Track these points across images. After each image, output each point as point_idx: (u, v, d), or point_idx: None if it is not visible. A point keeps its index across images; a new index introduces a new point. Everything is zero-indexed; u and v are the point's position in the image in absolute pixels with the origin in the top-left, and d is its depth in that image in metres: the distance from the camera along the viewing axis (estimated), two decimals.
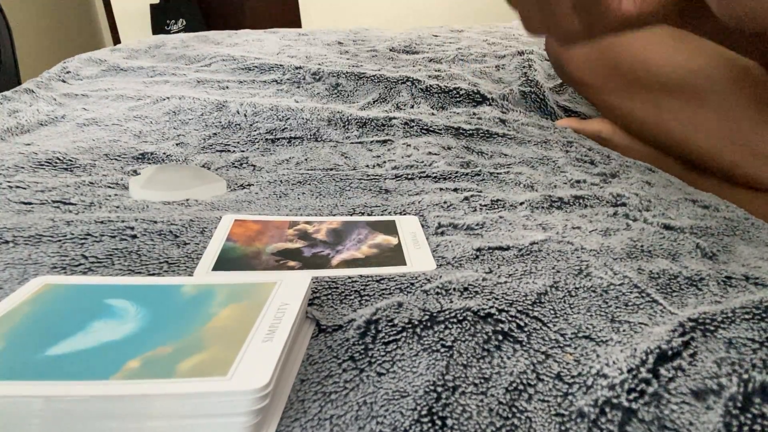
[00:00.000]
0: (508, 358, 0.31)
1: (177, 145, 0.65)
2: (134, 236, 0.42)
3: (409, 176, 0.58)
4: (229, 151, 0.65)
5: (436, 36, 1.22)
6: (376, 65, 0.95)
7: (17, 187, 0.51)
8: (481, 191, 0.54)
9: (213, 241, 0.42)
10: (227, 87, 0.87)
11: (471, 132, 0.71)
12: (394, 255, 0.42)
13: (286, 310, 0.30)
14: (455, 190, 0.55)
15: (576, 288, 0.37)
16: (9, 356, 0.26)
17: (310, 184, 0.55)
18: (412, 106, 0.80)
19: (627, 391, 0.28)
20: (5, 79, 1.56)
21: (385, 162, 0.62)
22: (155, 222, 0.44)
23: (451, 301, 0.35)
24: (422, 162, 0.62)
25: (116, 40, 2.92)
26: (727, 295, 0.37)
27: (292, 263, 0.40)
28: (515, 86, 0.87)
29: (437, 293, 0.36)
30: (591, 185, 0.56)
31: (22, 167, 0.56)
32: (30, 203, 0.48)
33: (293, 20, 3.01)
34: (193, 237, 0.43)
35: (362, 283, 0.37)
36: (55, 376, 0.25)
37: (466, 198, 0.52)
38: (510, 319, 0.33)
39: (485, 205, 0.51)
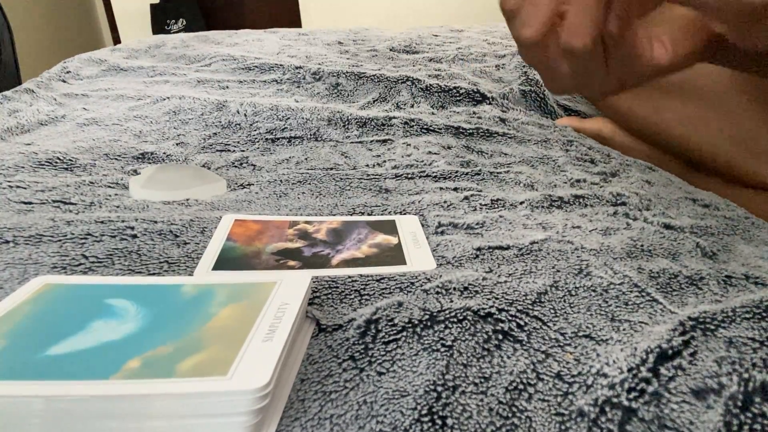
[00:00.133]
0: (508, 357, 0.31)
1: (177, 144, 0.65)
2: (134, 236, 0.42)
3: (409, 176, 0.58)
4: (229, 150, 0.65)
5: (436, 36, 1.22)
6: (376, 65, 0.95)
7: (17, 186, 0.51)
8: (481, 190, 0.54)
9: (213, 241, 0.42)
10: (227, 87, 0.87)
11: (471, 131, 0.71)
12: (394, 254, 0.42)
13: (286, 309, 0.30)
14: (455, 189, 0.55)
15: (576, 287, 0.37)
16: (9, 356, 0.26)
17: (310, 184, 0.55)
18: (412, 106, 0.80)
19: (627, 391, 0.28)
20: (5, 78, 1.56)
21: (385, 161, 0.62)
22: (155, 222, 0.44)
23: (451, 301, 0.35)
24: (422, 161, 0.62)
25: (116, 40, 2.92)
26: (727, 294, 0.37)
27: (292, 263, 0.40)
28: (515, 85, 0.87)
29: (437, 293, 0.36)
30: (591, 184, 0.56)
31: (23, 167, 0.56)
32: (30, 203, 0.48)
33: (293, 20, 3.01)
34: (193, 237, 0.43)
35: (362, 282, 0.37)
36: (56, 375, 0.25)
37: (466, 197, 0.52)
38: (510, 318, 0.33)
39: (485, 205, 0.51)
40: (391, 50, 1.06)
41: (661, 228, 0.46)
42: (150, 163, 0.60)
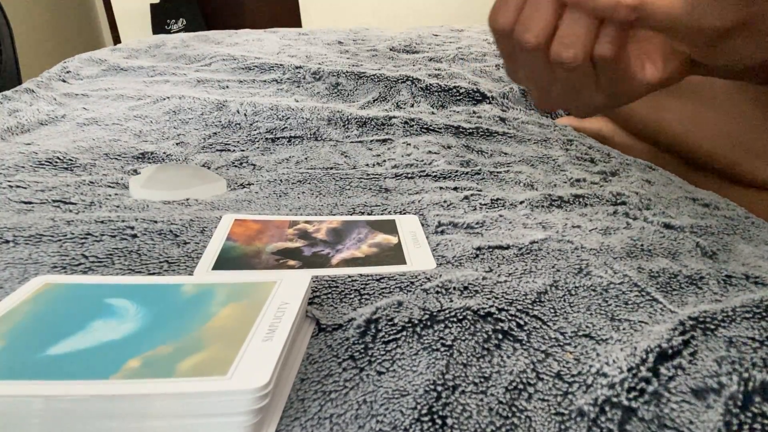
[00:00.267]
0: (508, 357, 0.31)
1: (177, 144, 0.65)
2: (134, 236, 0.42)
3: (409, 175, 0.58)
4: (229, 150, 0.65)
5: (436, 35, 1.22)
6: (376, 64, 0.95)
7: (17, 186, 0.51)
8: (481, 190, 0.54)
9: (213, 241, 0.42)
10: (227, 86, 0.87)
11: (471, 131, 0.71)
12: (394, 254, 0.42)
13: (286, 309, 0.30)
14: (455, 188, 0.55)
15: (576, 287, 0.37)
16: (9, 356, 0.26)
17: (310, 184, 0.55)
18: (412, 105, 0.80)
19: (627, 390, 0.28)
20: (6, 78, 1.56)
21: (385, 161, 0.62)
22: (155, 221, 0.44)
23: (451, 300, 0.35)
24: (422, 161, 0.62)
25: (116, 40, 2.92)
26: (727, 293, 0.37)
27: (292, 262, 0.40)
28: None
29: (437, 292, 0.36)
30: (591, 184, 0.56)
31: (23, 167, 0.56)
32: (30, 203, 0.48)
33: (293, 20, 3.01)
34: (193, 236, 0.43)
35: (362, 282, 0.37)
36: (55, 375, 0.25)
37: (466, 197, 0.52)
38: (510, 318, 0.33)
39: (485, 204, 0.51)
40: (391, 50, 1.06)
41: (661, 227, 0.46)
42: (150, 162, 0.60)
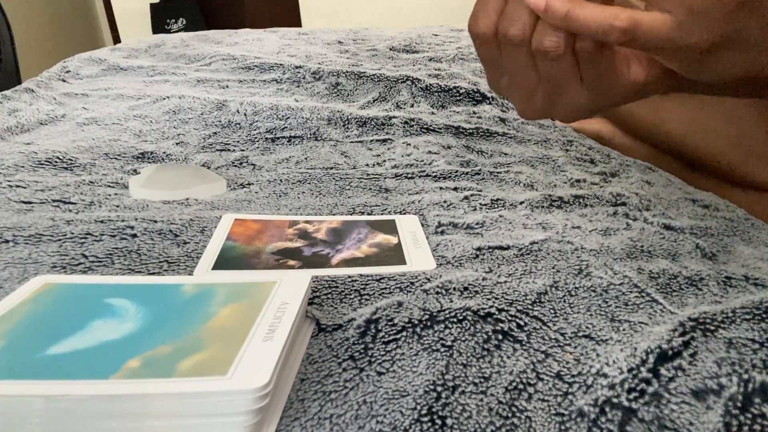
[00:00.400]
0: (508, 357, 0.31)
1: (177, 144, 0.65)
2: (134, 235, 0.42)
3: (409, 175, 0.58)
4: (229, 150, 0.65)
5: (436, 35, 1.22)
6: (376, 64, 0.95)
7: (17, 186, 0.51)
8: (481, 190, 0.54)
9: (213, 241, 0.42)
10: (227, 86, 0.87)
11: (471, 131, 0.71)
12: (394, 254, 0.42)
13: (286, 309, 0.30)
14: (455, 189, 0.55)
15: (576, 287, 0.37)
16: (9, 355, 0.26)
17: (310, 183, 0.55)
18: (412, 105, 0.80)
19: (627, 391, 0.28)
20: (5, 78, 1.56)
21: (384, 161, 0.62)
22: (155, 221, 0.44)
23: (451, 301, 0.35)
24: (422, 161, 0.62)
25: (116, 40, 2.92)
26: (727, 295, 0.37)
27: (292, 262, 0.40)
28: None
29: (437, 293, 0.36)
30: (591, 184, 0.56)
31: (22, 166, 0.56)
32: (30, 202, 0.48)
33: (293, 20, 3.01)
34: (193, 236, 0.43)
35: (362, 282, 0.37)
36: (55, 375, 0.25)
37: (466, 197, 0.52)
38: (510, 318, 0.33)
39: (485, 205, 0.51)
40: (391, 50, 1.06)
41: (660, 228, 0.46)
42: (150, 162, 0.60)
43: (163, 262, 0.39)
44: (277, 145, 0.67)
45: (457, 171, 0.59)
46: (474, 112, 0.78)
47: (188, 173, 0.55)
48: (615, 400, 0.27)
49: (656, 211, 0.50)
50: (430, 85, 0.84)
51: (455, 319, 0.33)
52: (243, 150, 0.65)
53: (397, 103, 0.80)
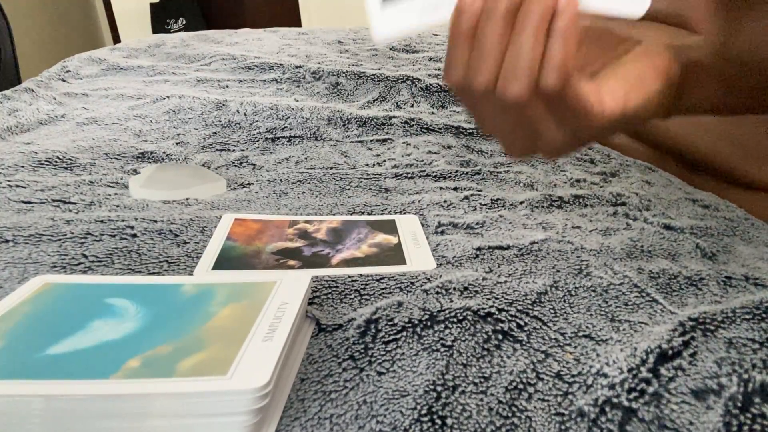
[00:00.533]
0: (508, 357, 0.31)
1: (177, 144, 0.65)
2: (134, 235, 0.42)
3: (409, 175, 0.58)
4: (229, 150, 0.65)
5: (436, 35, 1.21)
6: (376, 64, 0.95)
7: (17, 186, 0.51)
8: (481, 190, 0.54)
9: (213, 240, 0.42)
10: (227, 86, 0.87)
11: (471, 131, 0.71)
12: (394, 254, 0.42)
13: (286, 309, 0.30)
14: (455, 189, 0.55)
15: (576, 287, 0.37)
16: (9, 355, 0.26)
17: (310, 183, 0.55)
18: (412, 105, 0.80)
19: (627, 391, 0.28)
20: (5, 78, 1.56)
21: (384, 161, 0.62)
22: (155, 221, 0.44)
23: (451, 301, 0.35)
24: (422, 161, 0.62)
25: (116, 39, 2.92)
26: (727, 295, 0.37)
27: (292, 262, 0.40)
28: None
29: (437, 292, 0.36)
30: (591, 184, 0.56)
31: (22, 166, 0.56)
32: (30, 202, 0.48)
33: (293, 19, 3.01)
34: (193, 236, 0.43)
35: (362, 282, 0.37)
36: (55, 375, 0.25)
37: (466, 197, 0.52)
38: (510, 318, 0.33)
39: (485, 204, 0.51)
40: (391, 49, 1.06)
41: (660, 228, 0.46)
42: (150, 162, 0.60)
43: (163, 262, 0.39)
44: (277, 145, 0.67)
45: (457, 171, 0.59)
46: None
47: (188, 173, 0.55)
48: (615, 400, 0.27)
49: (656, 211, 0.50)
50: (430, 85, 0.84)
51: (455, 319, 0.33)
52: (243, 150, 0.65)
53: (397, 103, 0.80)
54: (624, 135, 0.73)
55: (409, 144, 0.67)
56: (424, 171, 0.59)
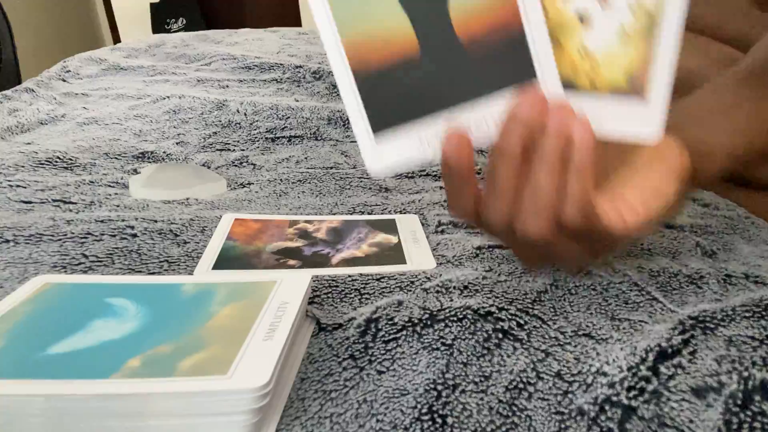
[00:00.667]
0: (508, 356, 0.31)
1: (177, 143, 0.65)
2: (134, 235, 0.42)
3: (409, 174, 0.58)
4: (229, 149, 0.65)
5: None
6: None
7: (17, 186, 0.51)
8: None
9: (213, 240, 0.42)
10: (227, 86, 0.87)
11: None
12: (394, 253, 0.42)
13: (286, 308, 0.30)
14: None
15: (576, 286, 0.37)
16: (9, 355, 0.26)
17: (310, 183, 0.55)
18: None
19: (627, 389, 0.28)
20: (5, 78, 1.56)
21: None
22: (155, 221, 0.45)
23: (451, 300, 0.35)
24: None
25: (116, 39, 2.92)
26: (727, 293, 0.37)
27: (292, 262, 0.40)
28: None
29: (437, 291, 0.36)
30: None
31: (23, 166, 0.56)
32: (30, 202, 0.48)
33: (293, 19, 3.01)
34: (194, 236, 0.43)
35: (362, 281, 0.37)
36: (56, 374, 0.25)
37: None
38: (510, 317, 0.33)
39: None
40: None
41: (660, 227, 0.46)
42: (150, 162, 0.60)
43: (163, 261, 0.39)
44: (277, 144, 0.67)
45: None
46: None
47: (188, 173, 0.55)
48: (615, 399, 0.27)
49: None
50: None
51: (455, 318, 0.33)
52: (243, 150, 0.65)
53: None
54: None
55: None
56: (424, 170, 0.59)
